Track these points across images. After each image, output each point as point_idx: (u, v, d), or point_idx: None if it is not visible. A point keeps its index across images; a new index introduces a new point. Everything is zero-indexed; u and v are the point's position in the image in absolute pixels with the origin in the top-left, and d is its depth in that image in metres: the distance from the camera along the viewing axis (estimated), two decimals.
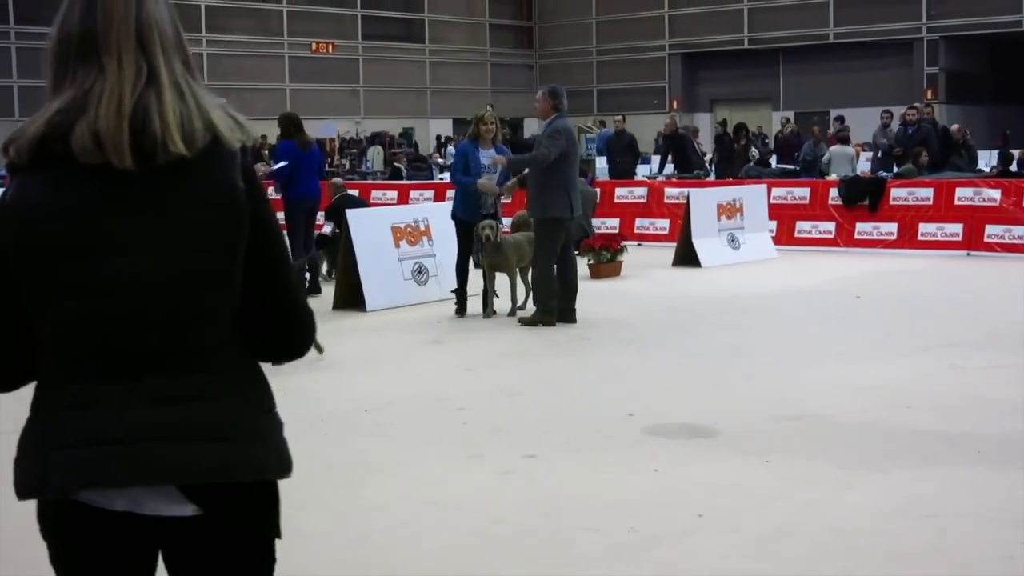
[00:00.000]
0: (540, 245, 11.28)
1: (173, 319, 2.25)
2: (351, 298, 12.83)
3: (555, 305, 11.23)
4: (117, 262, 2.22)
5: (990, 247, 16.66)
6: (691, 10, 50.15)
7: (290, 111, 14.99)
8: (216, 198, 2.27)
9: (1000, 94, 45.55)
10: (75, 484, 2.22)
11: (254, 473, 2.29)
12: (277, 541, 2.42)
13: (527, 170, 11.49)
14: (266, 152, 25.97)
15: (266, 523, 2.36)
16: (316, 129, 13.99)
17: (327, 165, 26.94)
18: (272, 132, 35.50)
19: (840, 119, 28.31)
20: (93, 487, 2.22)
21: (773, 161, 26.42)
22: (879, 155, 22.88)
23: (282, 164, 13.70)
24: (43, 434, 2.26)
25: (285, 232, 13.76)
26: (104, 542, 2.29)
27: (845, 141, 23.09)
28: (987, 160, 25.35)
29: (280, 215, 14.57)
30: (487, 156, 11.58)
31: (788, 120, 31.68)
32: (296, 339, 2.44)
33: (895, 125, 23.53)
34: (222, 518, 2.29)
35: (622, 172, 22.71)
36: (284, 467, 2.36)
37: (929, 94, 42.92)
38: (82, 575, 2.33)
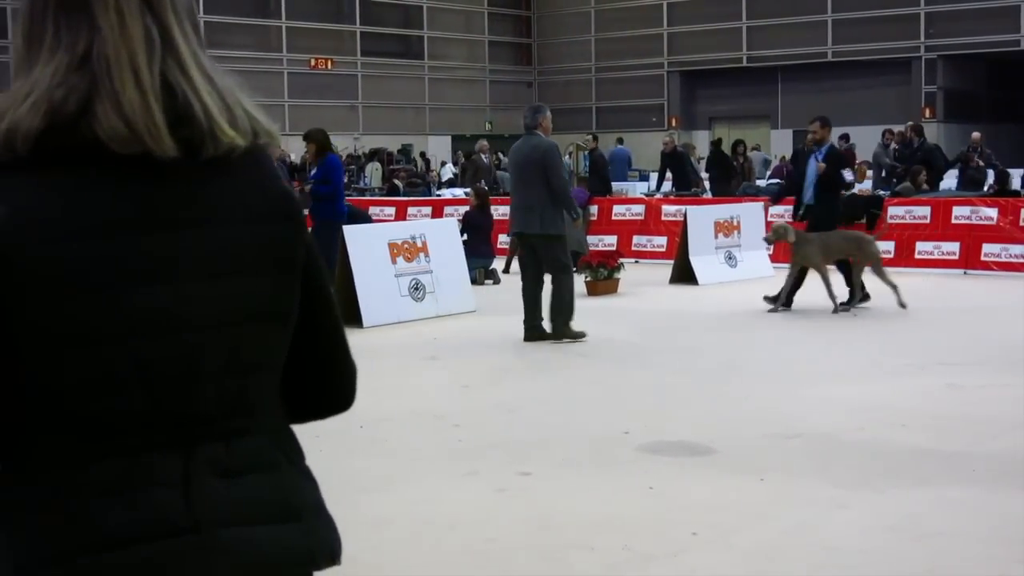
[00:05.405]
0: None
1: (233, 366, 1.68)
2: (347, 314, 12.78)
3: None
4: (162, 292, 1.62)
5: (987, 266, 16.68)
6: (690, 28, 50.33)
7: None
8: (269, 207, 1.72)
9: (998, 113, 45.67)
10: None
11: (329, 560, 1.77)
12: None
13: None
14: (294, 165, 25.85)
15: None
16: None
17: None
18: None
19: (845, 137, 28.35)
20: None
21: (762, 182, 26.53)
22: (883, 174, 22.91)
23: (303, 180, 13.47)
24: (66, 532, 1.59)
25: None
26: None
27: None
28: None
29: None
30: None
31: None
32: (347, 389, 1.90)
33: (895, 143, 23.66)
34: None
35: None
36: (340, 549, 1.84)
37: (927, 112, 43.08)
38: None
